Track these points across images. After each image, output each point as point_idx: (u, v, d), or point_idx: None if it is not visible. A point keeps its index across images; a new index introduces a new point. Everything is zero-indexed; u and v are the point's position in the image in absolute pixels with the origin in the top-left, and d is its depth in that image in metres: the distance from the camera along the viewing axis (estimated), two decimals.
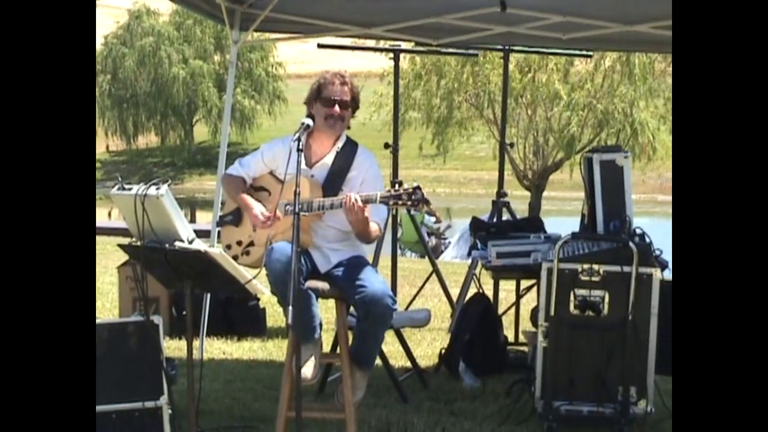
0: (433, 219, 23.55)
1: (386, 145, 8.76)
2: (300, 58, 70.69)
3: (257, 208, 5.89)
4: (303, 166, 5.51)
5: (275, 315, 9.97)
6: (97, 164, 57.98)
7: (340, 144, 5.95)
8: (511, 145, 11.15)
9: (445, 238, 25.85)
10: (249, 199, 5.96)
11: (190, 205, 43.42)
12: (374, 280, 5.61)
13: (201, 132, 65.22)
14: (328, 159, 5.91)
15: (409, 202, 5.48)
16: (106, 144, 65.30)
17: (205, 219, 27.31)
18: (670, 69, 25.86)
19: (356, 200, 5.51)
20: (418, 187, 5.50)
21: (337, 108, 5.85)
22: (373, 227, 5.75)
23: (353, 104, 5.94)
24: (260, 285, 5.48)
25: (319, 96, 5.89)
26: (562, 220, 19.88)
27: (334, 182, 5.85)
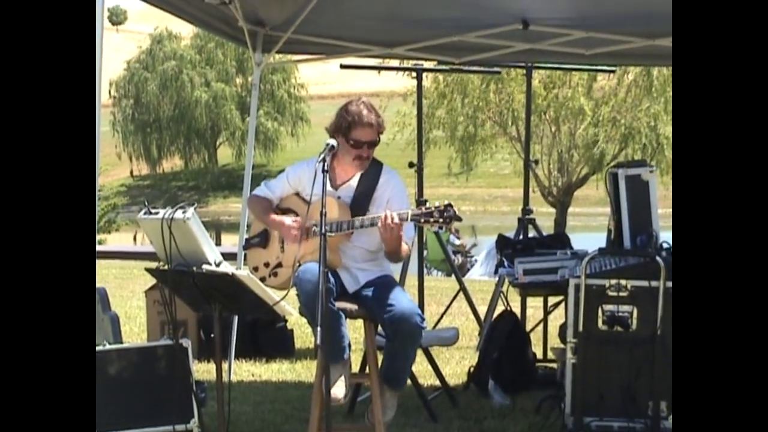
0: (457, 241, 23.56)
1: (411, 164, 8.74)
2: (322, 79, 70.91)
3: (288, 220, 5.88)
4: (329, 187, 5.51)
5: (303, 336, 9.98)
6: (122, 189, 58.12)
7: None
8: (536, 162, 11.18)
9: (471, 256, 25.82)
10: (278, 217, 5.95)
11: (216, 228, 43.45)
12: (402, 299, 5.61)
13: (225, 155, 65.40)
14: (354, 181, 5.91)
15: (441, 220, 5.46)
16: (130, 169, 65.58)
17: (231, 242, 27.36)
18: None
19: (393, 218, 5.51)
20: (450, 205, 5.47)
21: (365, 149, 5.86)
22: (404, 246, 5.75)
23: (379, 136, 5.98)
24: (288, 306, 5.47)
25: (349, 134, 5.83)
26: (588, 236, 19.81)
27: (360, 203, 5.84)
